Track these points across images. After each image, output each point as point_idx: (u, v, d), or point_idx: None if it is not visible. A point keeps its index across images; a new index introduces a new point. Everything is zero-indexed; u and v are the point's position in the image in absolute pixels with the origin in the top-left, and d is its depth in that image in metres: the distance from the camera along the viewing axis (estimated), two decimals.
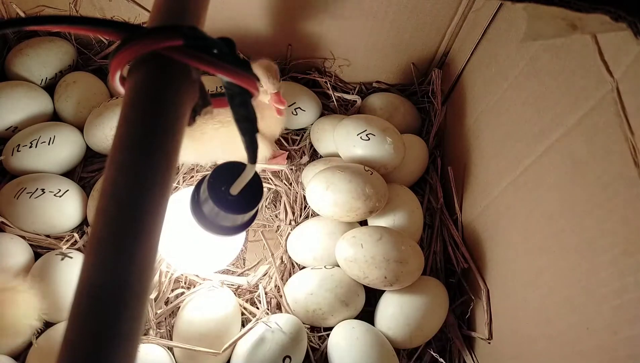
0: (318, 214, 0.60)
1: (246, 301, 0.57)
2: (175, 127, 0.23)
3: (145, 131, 0.22)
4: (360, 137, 0.61)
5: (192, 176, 0.65)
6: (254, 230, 0.64)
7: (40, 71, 0.66)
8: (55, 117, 0.66)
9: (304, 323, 0.54)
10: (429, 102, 0.72)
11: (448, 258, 0.61)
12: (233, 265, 0.60)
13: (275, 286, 0.58)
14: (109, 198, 0.20)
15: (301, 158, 0.68)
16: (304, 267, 0.59)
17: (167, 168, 0.22)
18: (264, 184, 0.64)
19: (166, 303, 0.55)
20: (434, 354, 0.55)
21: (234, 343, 0.51)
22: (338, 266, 0.56)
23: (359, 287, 0.56)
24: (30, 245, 0.55)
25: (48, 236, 0.57)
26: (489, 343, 0.52)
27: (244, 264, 0.61)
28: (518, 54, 0.49)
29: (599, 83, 0.36)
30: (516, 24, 0.51)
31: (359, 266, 0.53)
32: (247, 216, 0.41)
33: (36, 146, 0.59)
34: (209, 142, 0.55)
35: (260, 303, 0.56)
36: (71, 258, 0.52)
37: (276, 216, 0.64)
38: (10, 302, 0.41)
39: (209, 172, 0.39)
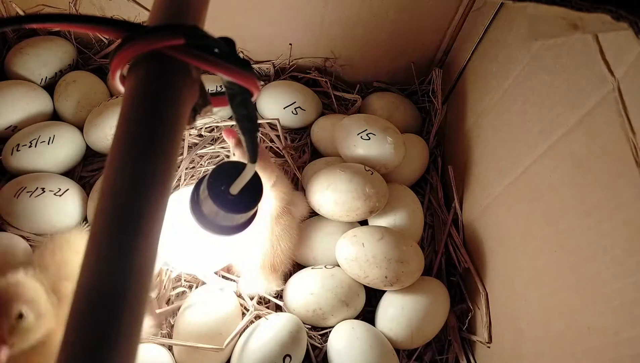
0: (318, 214, 0.60)
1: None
2: (175, 126, 0.23)
3: (145, 130, 0.21)
4: (361, 136, 0.60)
5: (193, 176, 0.65)
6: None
7: (40, 70, 0.66)
8: (55, 116, 0.66)
9: (304, 323, 0.54)
10: (430, 102, 0.72)
11: (449, 258, 0.61)
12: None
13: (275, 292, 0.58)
14: (109, 198, 0.20)
15: (300, 157, 0.68)
16: (304, 267, 0.59)
17: (166, 168, 0.21)
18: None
19: (167, 302, 0.55)
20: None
21: (235, 337, 0.51)
22: (338, 266, 0.56)
23: (359, 287, 0.56)
24: (30, 244, 0.55)
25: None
26: (488, 347, 0.52)
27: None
28: (519, 53, 0.49)
29: (600, 82, 0.36)
30: (517, 23, 0.50)
31: (360, 265, 0.53)
32: (247, 215, 0.41)
33: (36, 146, 0.59)
34: None
35: (255, 298, 0.56)
36: None
37: None
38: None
39: (209, 171, 0.39)
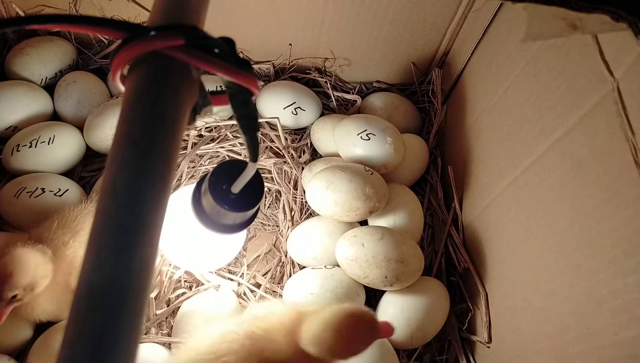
0: (318, 214, 0.60)
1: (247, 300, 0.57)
2: (175, 126, 0.23)
3: (145, 130, 0.21)
4: (361, 137, 0.60)
5: (193, 176, 0.65)
6: (254, 228, 0.64)
7: (40, 71, 0.66)
8: (55, 117, 0.66)
9: None
10: (429, 102, 0.72)
11: (448, 258, 0.61)
12: (234, 264, 0.60)
13: (273, 291, 0.58)
14: (109, 198, 0.20)
15: (300, 157, 0.68)
16: (304, 267, 0.59)
17: (166, 168, 0.21)
18: (265, 184, 0.64)
19: (167, 303, 0.55)
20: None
21: None
22: (338, 266, 0.56)
23: (359, 287, 0.56)
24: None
25: None
26: (488, 347, 0.52)
27: (244, 263, 0.61)
28: (518, 53, 0.49)
29: (600, 83, 0.36)
30: (516, 24, 0.51)
31: (360, 265, 0.53)
32: (248, 214, 0.41)
33: (36, 146, 0.59)
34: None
35: (255, 296, 0.56)
36: None
37: (276, 216, 0.64)
38: None
39: (211, 170, 0.39)
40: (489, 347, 0.52)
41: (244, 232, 0.53)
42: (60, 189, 0.57)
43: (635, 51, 0.32)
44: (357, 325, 0.37)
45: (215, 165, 0.52)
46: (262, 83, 0.71)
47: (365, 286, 0.56)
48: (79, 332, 0.18)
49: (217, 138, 0.68)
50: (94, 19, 0.24)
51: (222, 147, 0.67)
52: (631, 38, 0.29)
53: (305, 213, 0.63)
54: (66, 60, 0.68)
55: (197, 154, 0.66)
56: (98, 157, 0.65)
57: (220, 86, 0.65)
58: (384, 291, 0.57)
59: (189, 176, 0.65)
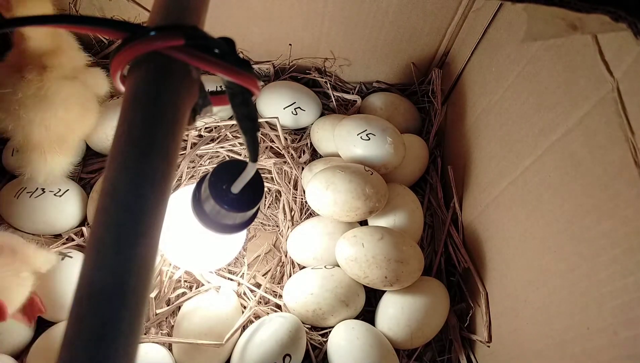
0: (318, 214, 0.60)
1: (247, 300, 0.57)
2: (175, 126, 0.23)
3: (145, 131, 0.22)
4: (361, 137, 0.61)
5: (193, 176, 0.65)
6: (254, 228, 0.64)
7: None
8: None
9: (304, 323, 0.54)
10: (429, 102, 0.72)
11: (448, 258, 0.61)
12: (234, 264, 0.60)
13: (273, 291, 0.58)
14: (109, 198, 0.20)
15: (300, 157, 0.68)
16: (304, 267, 0.59)
17: (167, 168, 0.22)
18: (265, 184, 0.64)
19: (167, 303, 0.55)
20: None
21: (235, 334, 0.51)
22: (338, 266, 0.56)
23: (359, 287, 0.56)
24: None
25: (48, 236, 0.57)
26: (488, 346, 0.52)
27: (244, 263, 0.61)
28: (518, 54, 0.49)
29: (600, 83, 0.36)
30: (516, 24, 0.51)
31: (360, 265, 0.53)
32: (248, 214, 0.41)
33: None
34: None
35: (256, 296, 0.56)
36: (71, 257, 0.52)
37: (276, 216, 0.64)
38: None
39: (211, 170, 0.40)
40: (489, 347, 0.52)
41: (244, 232, 0.53)
42: (60, 190, 0.57)
43: (635, 50, 0.32)
44: None
45: (215, 165, 0.52)
46: (262, 83, 0.71)
47: (365, 286, 0.56)
48: (79, 332, 0.18)
49: (217, 138, 0.68)
50: (94, 19, 0.24)
51: (222, 147, 0.67)
52: (631, 38, 0.29)
53: (305, 213, 0.63)
54: None
55: (197, 154, 0.66)
56: (98, 157, 0.65)
57: (220, 86, 0.65)
58: (384, 291, 0.57)
59: (189, 176, 0.65)
